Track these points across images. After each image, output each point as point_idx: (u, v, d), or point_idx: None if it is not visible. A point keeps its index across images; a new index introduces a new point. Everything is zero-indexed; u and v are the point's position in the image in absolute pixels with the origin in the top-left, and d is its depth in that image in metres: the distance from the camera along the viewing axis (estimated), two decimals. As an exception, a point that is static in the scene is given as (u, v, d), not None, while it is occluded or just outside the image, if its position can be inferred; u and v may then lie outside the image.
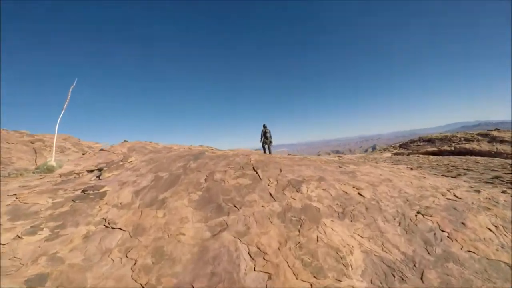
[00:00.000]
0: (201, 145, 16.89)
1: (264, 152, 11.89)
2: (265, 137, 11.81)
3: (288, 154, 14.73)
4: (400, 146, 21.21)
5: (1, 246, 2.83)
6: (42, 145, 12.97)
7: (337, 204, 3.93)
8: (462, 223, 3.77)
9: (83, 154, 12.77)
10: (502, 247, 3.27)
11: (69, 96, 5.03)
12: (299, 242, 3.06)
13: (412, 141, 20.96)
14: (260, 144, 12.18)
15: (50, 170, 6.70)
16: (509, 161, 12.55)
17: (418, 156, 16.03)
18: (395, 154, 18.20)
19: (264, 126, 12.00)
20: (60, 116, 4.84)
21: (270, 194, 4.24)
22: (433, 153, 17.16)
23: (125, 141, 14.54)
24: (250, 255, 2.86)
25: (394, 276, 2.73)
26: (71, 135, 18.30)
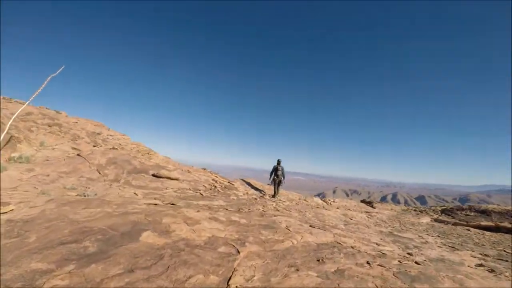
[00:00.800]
0: (205, 169, 13.92)
1: (274, 194, 10.81)
2: (276, 174, 10.86)
3: (305, 199, 12.10)
4: (442, 212, 17.46)
5: None
6: (56, 130, 11.49)
7: None
8: None
9: (93, 146, 11.15)
10: None
11: (45, 83, 3.10)
12: None
13: (460, 209, 17.12)
14: (270, 181, 11.18)
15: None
16: None
17: (468, 229, 12.49)
18: (435, 220, 14.58)
19: (278, 163, 11.11)
20: (28, 101, 3.68)
21: None
22: (487, 228, 13.48)
23: (113, 148, 11.83)
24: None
25: None
26: (102, 123, 16.40)
